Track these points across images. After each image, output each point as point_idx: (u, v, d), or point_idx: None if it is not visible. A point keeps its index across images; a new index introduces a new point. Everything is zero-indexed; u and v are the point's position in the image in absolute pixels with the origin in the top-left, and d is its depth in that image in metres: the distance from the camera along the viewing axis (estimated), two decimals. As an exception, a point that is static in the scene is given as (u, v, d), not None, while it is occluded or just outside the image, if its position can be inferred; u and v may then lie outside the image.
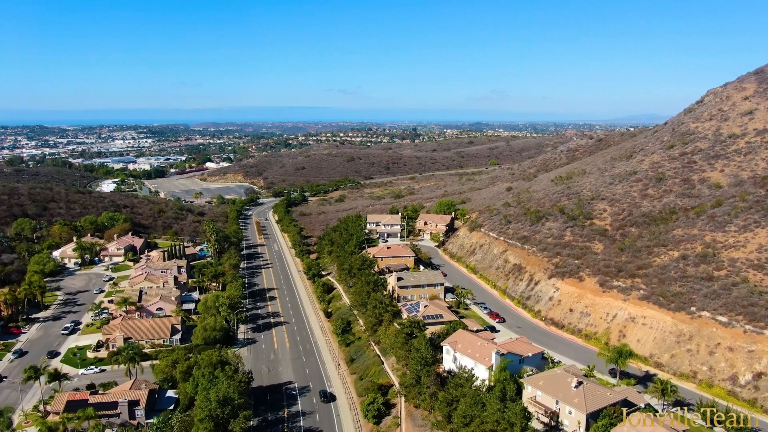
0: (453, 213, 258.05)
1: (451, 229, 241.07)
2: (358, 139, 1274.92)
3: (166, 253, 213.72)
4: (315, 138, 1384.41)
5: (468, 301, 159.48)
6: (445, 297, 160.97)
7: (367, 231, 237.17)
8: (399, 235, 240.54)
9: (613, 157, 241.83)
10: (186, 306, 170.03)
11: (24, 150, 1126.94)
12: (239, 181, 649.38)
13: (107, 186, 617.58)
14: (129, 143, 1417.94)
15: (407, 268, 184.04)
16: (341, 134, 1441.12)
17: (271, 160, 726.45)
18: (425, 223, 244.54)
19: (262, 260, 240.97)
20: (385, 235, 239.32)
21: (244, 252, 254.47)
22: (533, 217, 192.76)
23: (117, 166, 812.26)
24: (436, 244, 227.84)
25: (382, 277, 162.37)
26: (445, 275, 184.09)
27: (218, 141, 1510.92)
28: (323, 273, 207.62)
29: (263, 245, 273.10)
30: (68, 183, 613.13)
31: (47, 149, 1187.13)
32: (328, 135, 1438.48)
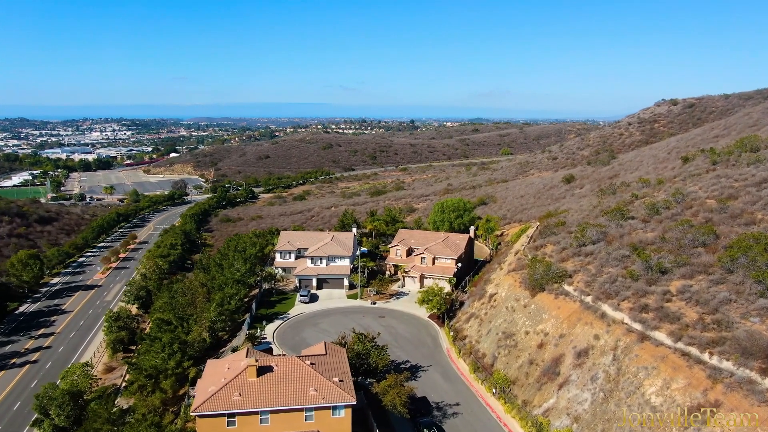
0: (473, 227, 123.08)
1: (469, 266, 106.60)
2: (351, 131, 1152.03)
3: None
4: (305, 130, 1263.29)
5: None
6: None
7: (276, 273, 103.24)
8: (346, 281, 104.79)
9: None
10: None
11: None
12: (187, 173, 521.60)
13: (16, 179, 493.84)
14: (107, 135, 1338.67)
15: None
16: (333, 126, 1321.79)
17: (230, 148, 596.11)
18: (408, 253, 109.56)
19: (44, 332, 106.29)
20: (314, 282, 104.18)
21: (31, 309, 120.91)
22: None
23: (60, 156, 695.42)
24: (433, 312, 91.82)
25: None
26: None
27: (203, 134, 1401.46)
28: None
29: (99, 287, 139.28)
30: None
31: (15, 141, 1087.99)
32: (319, 128, 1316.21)
